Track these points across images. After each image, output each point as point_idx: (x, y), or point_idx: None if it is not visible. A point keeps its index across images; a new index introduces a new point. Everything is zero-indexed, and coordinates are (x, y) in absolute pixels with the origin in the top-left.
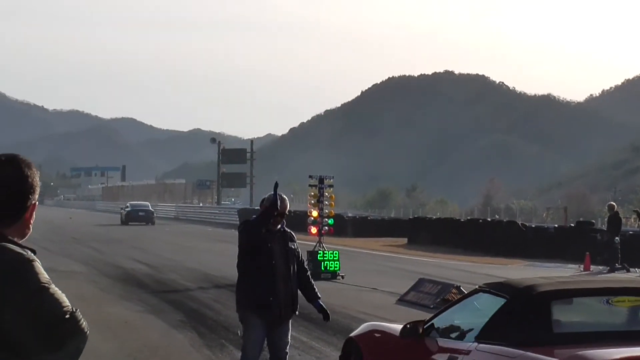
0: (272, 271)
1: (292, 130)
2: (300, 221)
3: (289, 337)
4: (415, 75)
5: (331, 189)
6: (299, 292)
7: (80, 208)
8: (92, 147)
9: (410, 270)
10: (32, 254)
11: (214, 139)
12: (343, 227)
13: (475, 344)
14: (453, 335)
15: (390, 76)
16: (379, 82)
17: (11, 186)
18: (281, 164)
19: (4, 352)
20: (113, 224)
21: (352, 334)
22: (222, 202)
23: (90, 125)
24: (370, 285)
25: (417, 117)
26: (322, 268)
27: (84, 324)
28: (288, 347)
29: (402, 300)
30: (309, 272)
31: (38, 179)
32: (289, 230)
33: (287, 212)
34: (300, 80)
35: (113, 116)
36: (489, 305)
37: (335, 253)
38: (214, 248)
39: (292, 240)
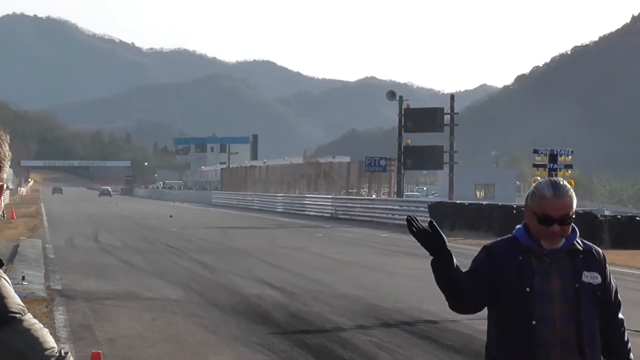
0: (532, 335)
1: (519, 78)
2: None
3: None
4: None
5: (569, 171)
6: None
7: (188, 201)
8: (207, 106)
9: None
10: None
11: (393, 92)
12: (595, 231)
13: None
14: None
15: None
16: None
17: None
18: (502, 131)
19: None
20: (237, 226)
21: None
22: (407, 193)
23: (205, 73)
24: (628, 326)
25: None
26: None
27: None
28: None
29: None
30: (624, 328)
31: (8, 149)
32: (582, 247)
33: (571, 214)
34: (537, 12)
35: (238, 59)
36: None
37: None
38: (387, 264)
39: (591, 266)
